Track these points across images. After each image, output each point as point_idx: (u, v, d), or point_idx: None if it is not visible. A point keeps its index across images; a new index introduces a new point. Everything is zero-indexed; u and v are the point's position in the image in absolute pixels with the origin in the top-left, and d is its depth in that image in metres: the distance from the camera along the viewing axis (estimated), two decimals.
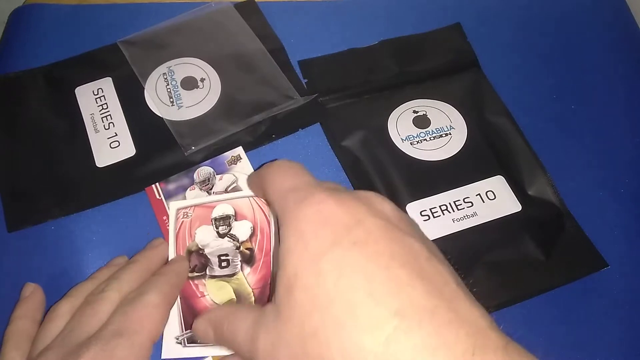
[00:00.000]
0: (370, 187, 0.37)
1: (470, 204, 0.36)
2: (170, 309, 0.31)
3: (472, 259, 0.34)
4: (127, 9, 0.46)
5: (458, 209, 0.36)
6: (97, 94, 0.41)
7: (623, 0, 0.47)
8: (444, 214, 0.36)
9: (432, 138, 0.39)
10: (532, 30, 0.45)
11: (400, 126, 0.40)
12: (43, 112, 0.40)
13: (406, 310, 0.19)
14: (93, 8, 0.46)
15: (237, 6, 0.45)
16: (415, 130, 0.39)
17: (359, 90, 0.41)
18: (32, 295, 0.32)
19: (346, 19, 0.45)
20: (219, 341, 0.26)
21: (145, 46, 0.43)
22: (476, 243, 0.35)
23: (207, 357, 0.31)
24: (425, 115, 0.40)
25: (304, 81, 0.42)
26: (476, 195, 0.36)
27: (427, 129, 0.39)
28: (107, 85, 0.41)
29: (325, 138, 0.40)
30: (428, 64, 0.43)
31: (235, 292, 0.33)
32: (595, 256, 0.35)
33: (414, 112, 0.40)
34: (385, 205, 0.23)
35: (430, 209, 0.36)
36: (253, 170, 0.37)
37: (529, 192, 0.37)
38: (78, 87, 0.41)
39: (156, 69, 0.42)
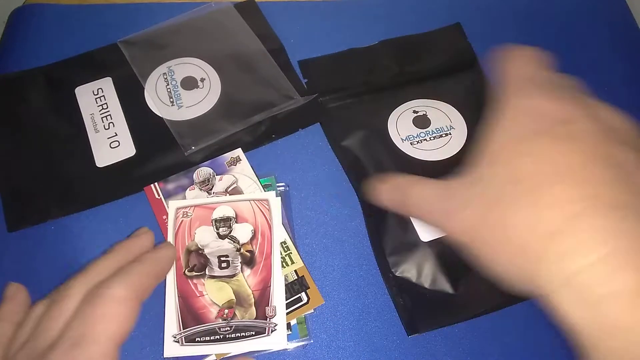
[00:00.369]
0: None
1: None
2: (143, 299, 0.27)
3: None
4: (127, 9, 0.46)
5: None
6: (97, 94, 0.41)
7: (623, 0, 0.47)
8: None
9: (432, 138, 0.39)
10: (532, 30, 0.45)
11: (400, 126, 0.40)
12: (43, 112, 0.40)
13: (594, 200, 0.20)
14: (93, 8, 0.46)
15: (237, 6, 0.45)
16: (416, 130, 0.39)
17: (359, 91, 0.42)
18: (14, 296, 0.31)
19: (346, 19, 0.45)
20: (401, 206, 0.28)
21: (145, 46, 0.43)
22: None
23: (210, 355, 0.31)
24: (425, 115, 0.40)
25: (303, 81, 0.42)
26: None
27: (427, 129, 0.39)
28: (107, 85, 0.41)
29: (325, 138, 0.40)
30: (428, 64, 0.43)
31: (235, 293, 0.33)
32: None
33: (414, 112, 0.40)
34: (608, 113, 0.24)
35: None
36: (252, 171, 0.37)
37: None
38: (78, 87, 0.41)
39: (156, 69, 0.42)
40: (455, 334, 0.33)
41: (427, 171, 0.37)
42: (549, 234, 0.20)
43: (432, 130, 0.39)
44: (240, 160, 0.38)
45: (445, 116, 0.40)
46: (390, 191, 0.29)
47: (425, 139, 0.39)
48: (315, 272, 0.35)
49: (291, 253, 0.34)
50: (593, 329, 0.19)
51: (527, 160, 0.22)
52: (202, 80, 0.41)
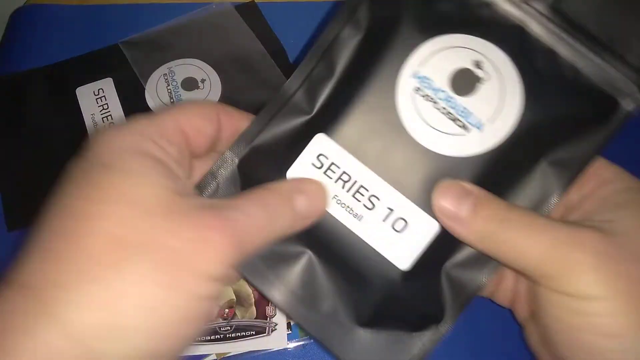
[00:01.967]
0: None
1: None
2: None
3: None
4: (128, 9, 0.46)
5: None
6: (98, 94, 0.41)
7: None
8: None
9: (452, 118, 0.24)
10: None
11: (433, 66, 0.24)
12: (44, 113, 0.40)
13: None
14: (94, 9, 0.46)
15: (238, 7, 0.45)
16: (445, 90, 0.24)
17: None
18: None
19: None
20: (493, 248, 0.23)
21: (146, 47, 0.43)
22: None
23: (210, 354, 0.31)
24: (477, 72, 0.24)
25: None
26: None
27: (470, 94, 0.24)
28: (107, 85, 0.41)
29: None
30: None
31: (235, 293, 0.33)
32: None
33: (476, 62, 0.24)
34: None
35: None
36: None
37: None
38: (79, 88, 0.41)
39: (157, 70, 0.42)
40: (456, 333, 0.33)
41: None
42: None
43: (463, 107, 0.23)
44: None
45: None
46: (479, 218, 0.23)
47: (439, 108, 0.24)
48: None
49: None
50: None
51: None
52: (203, 81, 0.42)
